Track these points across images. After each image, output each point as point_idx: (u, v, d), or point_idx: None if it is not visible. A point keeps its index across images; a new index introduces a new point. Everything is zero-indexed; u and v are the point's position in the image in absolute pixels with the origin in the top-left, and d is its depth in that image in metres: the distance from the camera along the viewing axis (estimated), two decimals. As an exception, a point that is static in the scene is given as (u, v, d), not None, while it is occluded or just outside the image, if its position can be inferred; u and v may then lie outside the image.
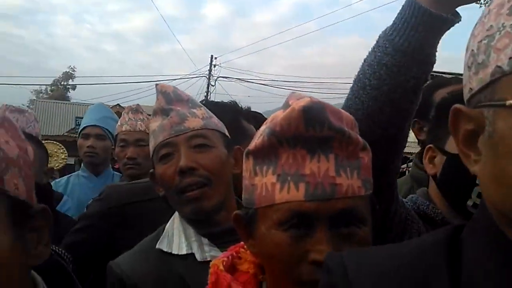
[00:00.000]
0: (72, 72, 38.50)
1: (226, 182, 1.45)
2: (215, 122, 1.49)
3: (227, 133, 1.51)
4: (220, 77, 29.94)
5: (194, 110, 1.46)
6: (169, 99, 1.46)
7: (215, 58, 30.32)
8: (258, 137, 0.98)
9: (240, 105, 1.98)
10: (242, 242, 1.11)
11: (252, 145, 0.99)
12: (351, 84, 1.12)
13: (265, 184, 0.94)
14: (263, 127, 0.99)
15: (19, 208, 0.75)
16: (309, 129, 0.90)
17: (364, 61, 1.10)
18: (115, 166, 3.48)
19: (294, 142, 0.92)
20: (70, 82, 42.13)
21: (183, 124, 1.42)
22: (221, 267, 1.03)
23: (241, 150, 1.55)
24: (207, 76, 29.62)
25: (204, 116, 1.46)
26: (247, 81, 31.30)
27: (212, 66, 29.81)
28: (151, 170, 1.53)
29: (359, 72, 1.11)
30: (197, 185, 1.38)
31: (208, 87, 28.90)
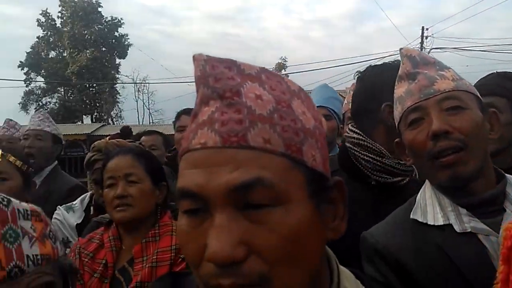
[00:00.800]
0: (284, 62, 40.37)
1: (483, 147, 1.33)
2: (467, 84, 1.37)
3: (479, 95, 1.39)
4: (433, 48, 28.33)
5: (443, 72, 1.37)
6: (415, 62, 1.40)
7: (426, 29, 28.79)
8: None
9: None
10: None
11: None
12: None
13: None
14: None
15: (316, 180, 0.73)
16: None
17: None
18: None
19: None
20: (283, 72, 44.34)
21: (432, 87, 1.33)
22: None
23: (497, 113, 1.41)
24: (419, 49, 28.26)
25: (454, 78, 1.36)
26: (464, 49, 29.07)
27: (424, 38, 28.38)
28: (396, 140, 1.49)
29: None
30: (452, 150, 1.29)
31: (420, 61, 27.46)
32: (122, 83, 38.87)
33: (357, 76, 1.93)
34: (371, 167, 1.76)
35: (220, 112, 0.70)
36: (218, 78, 0.72)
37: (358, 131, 1.82)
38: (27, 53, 37.66)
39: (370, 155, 1.76)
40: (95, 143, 2.59)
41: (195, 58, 0.74)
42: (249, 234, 0.66)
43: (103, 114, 37.30)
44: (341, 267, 0.84)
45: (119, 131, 2.84)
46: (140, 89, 40.03)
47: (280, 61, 40.74)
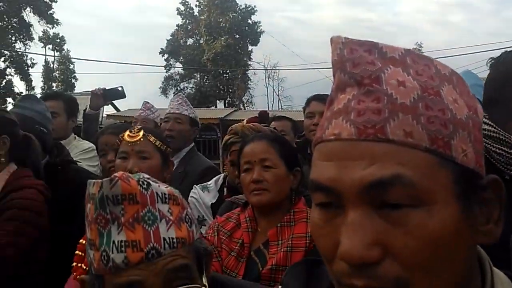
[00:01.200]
0: (419, 48, 38.65)
1: None
2: None
3: None
4: None
5: None
6: None
7: None
8: None
9: None
10: None
11: None
12: None
13: None
14: None
15: (467, 178, 0.65)
16: None
17: None
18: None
19: None
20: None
21: None
22: None
23: None
24: None
25: None
26: None
27: None
28: None
29: None
30: None
31: None
32: (254, 69, 39.86)
33: (490, 62, 1.78)
34: (505, 161, 1.64)
35: (357, 101, 0.65)
36: (357, 63, 0.66)
37: (489, 122, 1.69)
38: (167, 40, 40.15)
39: (503, 148, 1.64)
40: (232, 126, 2.67)
41: (333, 41, 0.69)
42: (384, 235, 0.61)
43: (235, 99, 38.62)
44: (495, 269, 0.75)
45: (256, 116, 2.89)
46: (270, 76, 40.79)
47: (415, 47, 39.07)
